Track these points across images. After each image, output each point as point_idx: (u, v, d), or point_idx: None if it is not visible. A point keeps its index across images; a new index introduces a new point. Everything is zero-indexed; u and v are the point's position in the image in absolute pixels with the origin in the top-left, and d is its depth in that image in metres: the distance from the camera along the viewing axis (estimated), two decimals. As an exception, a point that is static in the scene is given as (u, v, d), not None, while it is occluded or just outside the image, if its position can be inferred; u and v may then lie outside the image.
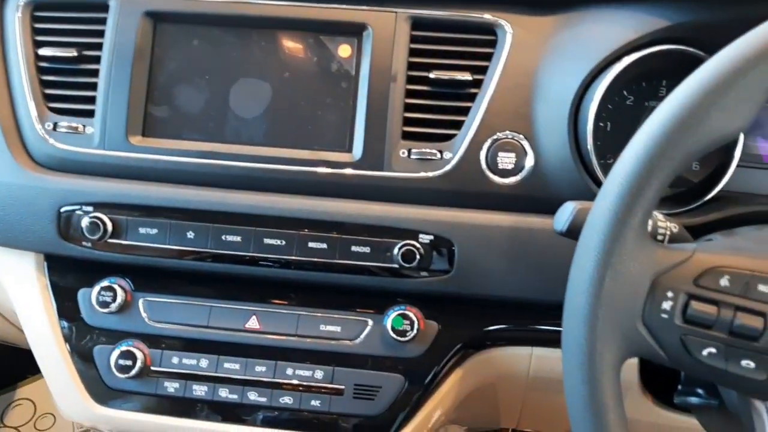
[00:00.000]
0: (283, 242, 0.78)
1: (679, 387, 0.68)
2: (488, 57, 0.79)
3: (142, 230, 0.80)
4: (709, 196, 0.79)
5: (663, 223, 0.62)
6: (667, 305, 0.49)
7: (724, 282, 0.49)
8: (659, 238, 0.61)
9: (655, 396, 0.84)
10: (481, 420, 1.02)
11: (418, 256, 0.76)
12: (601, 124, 0.88)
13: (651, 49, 0.73)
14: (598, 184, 0.76)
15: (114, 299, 0.81)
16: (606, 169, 0.86)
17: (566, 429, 1.04)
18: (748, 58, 0.47)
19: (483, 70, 0.79)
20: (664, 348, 0.50)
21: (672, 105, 0.48)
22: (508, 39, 0.78)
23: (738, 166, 0.87)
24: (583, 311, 0.49)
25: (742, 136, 0.78)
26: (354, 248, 0.78)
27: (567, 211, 0.58)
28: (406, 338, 0.77)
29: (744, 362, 0.48)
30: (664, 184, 0.49)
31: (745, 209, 0.75)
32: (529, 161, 0.77)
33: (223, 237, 0.79)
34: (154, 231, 0.80)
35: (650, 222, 0.61)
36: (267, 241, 0.78)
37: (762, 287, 0.48)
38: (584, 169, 0.76)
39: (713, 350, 0.49)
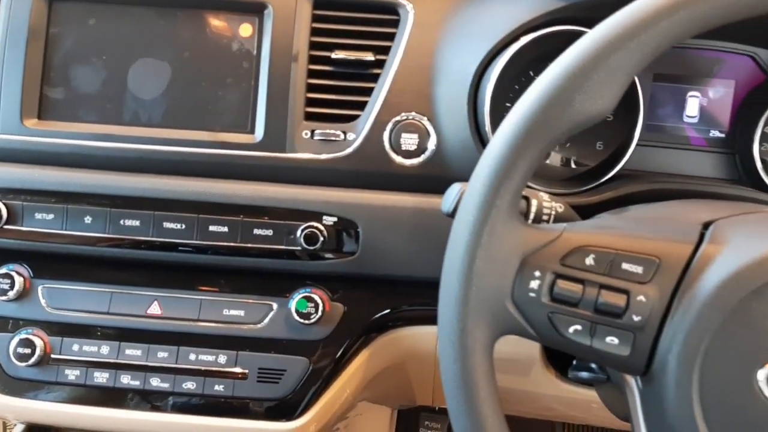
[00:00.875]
0: (183, 226, 0.77)
1: (573, 362, 0.69)
2: (391, 37, 0.78)
3: (38, 216, 0.78)
4: (608, 176, 0.80)
5: (548, 203, 0.62)
6: (534, 284, 0.49)
7: (589, 261, 0.49)
8: (544, 218, 0.61)
9: (560, 370, 0.86)
10: (395, 398, 1.03)
11: (321, 239, 0.76)
12: (508, 104, 0.89)
13: (546, 29, 0.73)
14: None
15: (12, 287, 0.79)
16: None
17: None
18: (611, 41, 0.47)
19: (386, 51, 0.78)
20: (534, 326, 0.50)
21: (537, 90, 0.48)
22: (410, 19, 0.78)
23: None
24: (455, 291, 0.49)
25: (641, 118, 0.80)
26: (256, 231, 0.77)
27: (453, 192, 0.58)
28: (311, 321, 0.77)
29: (608, 338, 0.49)
30: (531, 166, 0.49)
31: (637, 188, 0.77)
32: (432, 142, 0.77)
33: (121, 221, 0.77)
34: (51, 216, 0.78)
35: (534, 203, 0.62)
36: (166, 225, 0.77)
37: (626, 265, 0.49)
38: (484, 150, 0.76)
39: (579, 327, 0.49)
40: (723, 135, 0.88)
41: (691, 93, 0.88)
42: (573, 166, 0.87)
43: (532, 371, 0.85)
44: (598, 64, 0.47)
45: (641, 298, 0.48)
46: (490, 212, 0.49)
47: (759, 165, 0.82)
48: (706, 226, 0.52)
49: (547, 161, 0.86)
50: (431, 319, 0.81)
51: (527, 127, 0.48)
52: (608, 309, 0.49)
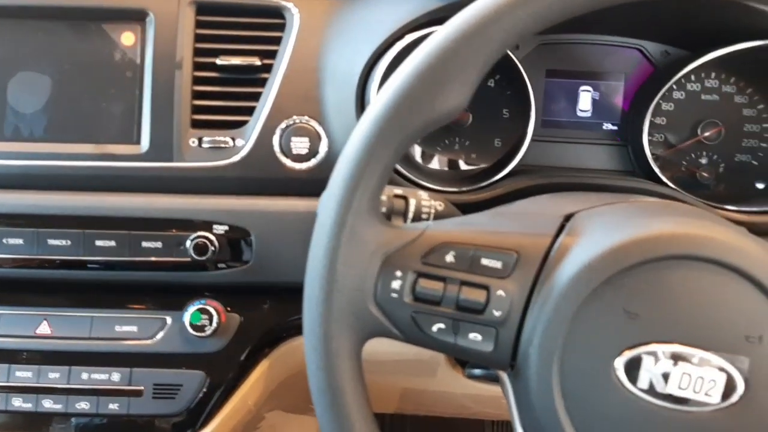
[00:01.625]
0: (68, 242, 0.74)
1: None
2: (277, 41, 0.77)
3: None
4: (503, 173, 0.80)
5: (427, 202, 0.62)
6: (396, 284, 0.49)
7: (450, 258, 0.49)
8: (423, 217, 0.61)
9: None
10: (305, 406, 1.01)
11: (212, 248, 0.74)
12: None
13: (428, 29, 0.73)
14: (398, 172, 0.76)
15: None
16: (408, 151, 0.87)
17: (395, 407, 1.05)
18: (456, 39, 0.47)
19: (273, 55, 0.77)
20: (398, 326, 0.50)
21: (387, 90, 0.48)
22: (296, 22, 0.77)
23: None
24: (316, 296, 0.49)
25: (533, 114, 0.80)
26: (145, 244, 0.75)
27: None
28: (206, 333, 0.76)
29: (471, 335, 0.49)
30: (387, 166, 0.49)
31: (529, 183, 0.77)
32: (323, 145, 0.76)
33: (3, 240, 0.74)
34: (-72, 237, 0.74)
35: (413, 202, 0.62)
36: (51, 241, 0.74)
37: (485, 261, 0.49)
38: None
39: (442, 325, 0.49)
40: (616, 128, 0.90)
41: (583, 87, 0.89)
42: (465, 165, 0.87)
43: (438, 371, 0.85)
44: (445, 63, 0.47)
45: (501, 293, 0.48)
46: (348, 214, 0.48)
47: (649, 156, 0.83)
48: (568, 218, 0.52)
49: (440, 160, 0.86)
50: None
51: (379, 127, 0.48)
52: (469, 305, 0.48)
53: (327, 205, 0.49)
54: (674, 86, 0.88)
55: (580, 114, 0.90)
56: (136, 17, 0.77)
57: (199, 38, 0.77)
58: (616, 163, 0.90)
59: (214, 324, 0.76)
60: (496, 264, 0.49)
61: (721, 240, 0.46)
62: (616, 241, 0.47)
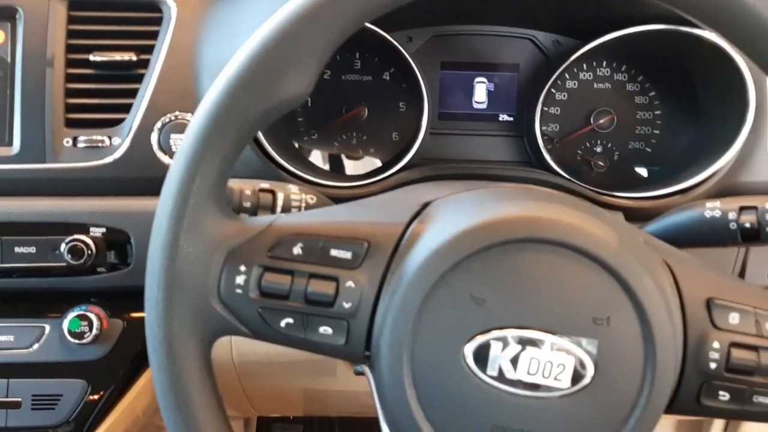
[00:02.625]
0: (-64, 250, 0.71)
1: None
2: (154, 35, 0.75)
3: None
4: (398, 167, 0.79)
5: (297, 195, 0.61)
6: (240, 280, 0.47)
7: (297, 250, 0.48)
8: (294, 210, 0.60)
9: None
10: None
11: (88, 252, 0.71)
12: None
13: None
14: (277, 164, 0.74)
15: None
16: (304, 148, 0.86)
17: (303, 410, 1.03)
18: (291, 23, 0.46)
19: (149, 50, 0.75)
20: (246, 324, 0.48)
21: (222, 79, 0.46)
22: (173, 16, 0.75)
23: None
24: (156, 295, 0.46)
25: (426, 107, 0.80)
26: (18, 249, 0.72)
27: None
28: (86, 340, 0.73)
29: (322, 329, 0.47)
30: (228, 156, 0.47)
31: (419, 175, 0.77)
32: (204, 142, 0.74)
33: None
34: None
35: (281, 195, 0.60)
36: None
37: (334, 252, 0.47)
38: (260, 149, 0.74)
39: (291, 320, 0.47)
40: (512, 118, 0.89)
41: (478, 79, 0.89)
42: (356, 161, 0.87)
43: (337, 371, 0.83)
44: (280, 49, 0.46)
45: (350, 284, 0.47)
46: (186, 207, 0.46)
47: (542, 145, 0.83)
48: (425, 205, 0.51)
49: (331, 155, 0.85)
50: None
51: (213, 116, 0.46)
52: (318, 298, 0.47)
53: (164, 199, 0.47)
54: (567, 75, 0.88)
55: (476, 106, 0.90)
56: (5, 15, 0.74)
57: (71, 34, 0.74)
58: (512, 154, 0.90)
59: (95, 330, 0.73)
60: (346, 255, 0.47)
61: (567, 222, 0.46)
62: (462, 226, 0.46)
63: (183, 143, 0.47)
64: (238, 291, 0.47)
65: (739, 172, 0.74)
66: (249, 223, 0.49)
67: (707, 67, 0.79)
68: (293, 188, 0.60)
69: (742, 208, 0.59)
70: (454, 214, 0.48)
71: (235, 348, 0.78)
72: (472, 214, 0.47)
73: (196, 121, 0.46)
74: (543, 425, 0.46)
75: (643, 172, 0.88)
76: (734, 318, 0.47)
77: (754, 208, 0.58)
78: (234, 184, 0.60)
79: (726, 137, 0.74)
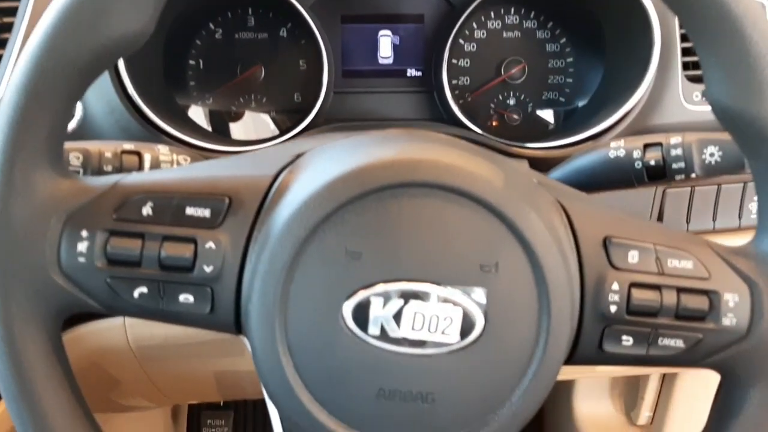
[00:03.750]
0: None
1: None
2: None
3: None
4: (299, 129, 0.75)
5: (167, 156, 0.55)
6: (82, 247, 0.42)
7: (147, 210, 0.42)
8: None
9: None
10: (117, 404, 0.93)
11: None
12: (192, 62, 0.81)
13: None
14: (157, 127, 0.68)
15: None
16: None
17: (218, 395, 0.98)
18: None
19: (12, 12, 0.68)
20: (95, 297, 0.43)
21: (43, 20, 0.40)
22: (36, -28, 0.68)
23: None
24: None
25: (326, 64, 0.74)
26: None
27: None
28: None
29: (182, 297, 0.42)
30: (59, 112, 0.41)
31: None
32: (78, 110, 0.68)
33: None
34: None
35: (148, 156, 0.54)
36: None
37: (190, 210, 0.42)
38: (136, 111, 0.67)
39: (145, 290, 0.42)
40: (420, 73, 0.85)
41: (382, 32, 0.84)
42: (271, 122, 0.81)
43: (245, 350, 0.78)
44: None
45: (210, 245, 0.42)
46: (13, 170, 0.40)
47: (451, 100, 0.79)
48: (297, 157, 0.46)
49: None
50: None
51: (37, 63, 0.40)
52: (174, 263, 0.42)
53: None
54: (475, 25, 0.84)
55: (381, 61, 0.85)
56: None
57: None
58: (423, 111, 0.85)
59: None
60: (204, 212, 0.42)
61: (447, 163, 0.41)
62: (334, 174, 0.41)
63: (5, 96, 0.41)
64: (82, 260, 0.42)
65: (648, 115, 0.71)
66: (90, 183, 0.43)
67: (613, 8, 0.76)
68: (163, 149, 0.54)
69: (646, 146, 0.55)
70: (326, 162, 0.43)
71: (130, 333, 0.72)
72: (345, 161, 0.42)
73: (18, 69, 0.40)
74: (433, 384, 0.41)
75: (555, 121, 0.84)
76: (633, 256, 0.43)
77: (659, 144, 0.55)
78: (92, 146, 0.54)
79: (633, 80, 0.71)
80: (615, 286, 0.43)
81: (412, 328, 0.41)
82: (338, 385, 0.41)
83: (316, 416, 0.42)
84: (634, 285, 0.43)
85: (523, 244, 0.41)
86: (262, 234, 0.42)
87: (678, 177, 0.55)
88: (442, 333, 0.41)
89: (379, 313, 0.41)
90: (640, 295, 0.43)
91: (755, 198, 0.75)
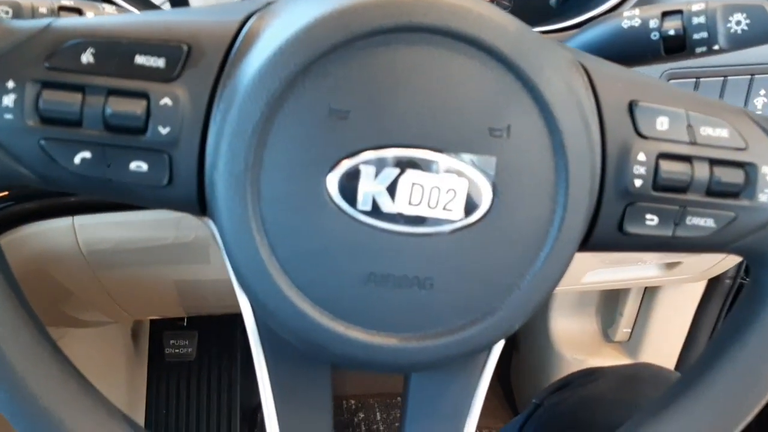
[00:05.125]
0: None
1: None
2: None
3: None
4: None
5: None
6: (9, 101, 0.34)
7: (87, 58, 0.34)
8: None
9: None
10: (71, 317, 0.86)
11: None
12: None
13: None
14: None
15: None
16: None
17: (179, 308, 0.92)
18: None
19: None
20: (26, 164, 0.35)
21: None
22: None
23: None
24: None
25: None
26: None
27: None
28: None
29: (133, 165, 0.35)
30: None
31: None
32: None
33: None
34: None
35: (90, 14, 0.46)
36: None
37: (140, 59, 0.35)
38: None
39: (87, 155, 0.35)
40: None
41: None
42: None
43: (210, 255, 0.72)
44: None
45: (166, 101, 0.35)
46: None
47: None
48: (269, 4, 0.39)
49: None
50: (62, 209, 0.65)
51: None
52: (122, 123, 0.34)
53: None
54: None
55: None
56: None
57: None
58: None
59: None
60: (157, 62, 0.35)
61: (451, 4, 0.34)
62: (314, 15, 0.34)
63: None
64: (8, 117, 0.34)
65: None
66: (16, 25, 0.35)
67: None
68: (109, 8, 0.46)
69: (664, 14, 0.49)
70: (304, 3, 0.36)
71: (80, 234, 0.65)
72: (328, 1, 0.35)
73: None
74: (431, 268, 0.36)
75: (553, 0, 0.77)
76: (662, 123, 0.38)
77: (679, 12, 0.49)
78: (24, 0, 0.45)
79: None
80: (641, 157, 0.37)
81: (409, 203, 0.35)
82: (321, 269, 0.35)
83: (295, 304, 0.36)
84: (662, 156, 0.37)
85: (540, 104, 0.35)
86: (228, 88, 0.35)
87: (699, 50, 0.48)
88: (444, 208, 0.35)
89: (370, 185, 0.35)
90: (669, 167, 0.37)
91: (762, 92, 0.70)
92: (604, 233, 0.39)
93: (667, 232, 0.38)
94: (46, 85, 0.34)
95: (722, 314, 1.09)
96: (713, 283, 1.07)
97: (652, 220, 0.38)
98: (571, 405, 0.67)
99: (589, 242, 0.39)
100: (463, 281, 0.36)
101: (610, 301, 1.16)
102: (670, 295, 1.07)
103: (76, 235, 0.65)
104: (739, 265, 1.05)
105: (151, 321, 1.21)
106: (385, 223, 0.35)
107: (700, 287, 1.09)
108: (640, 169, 0.37)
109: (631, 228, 0.38)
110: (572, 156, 0.35)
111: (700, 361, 0.43)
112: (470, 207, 0.35)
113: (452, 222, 0.35)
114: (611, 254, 0.88)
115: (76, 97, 0.34)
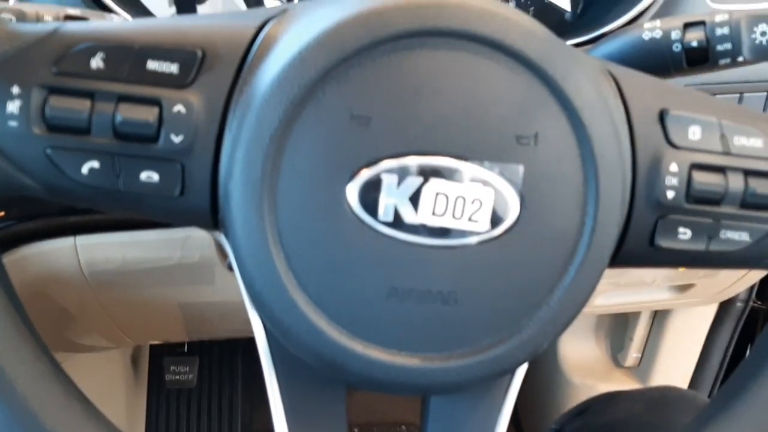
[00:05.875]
0: None
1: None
2: None
3: None
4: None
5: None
6: (14, 107, 0.32)
7: (97, 63, 0.33)
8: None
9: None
10: (70, 342, 0.84)
11: None
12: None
13: None
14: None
15: None
16: None
17: (185, 332, 0.89)
18: None
19: None
20: (31, 173, 0.34)
21: None
22: None
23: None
24: None
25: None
26: None
27: None
28: None
29: (144, 175, 0.33)
30: None
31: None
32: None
33: None
34: None
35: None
36: None
37: (153, 64, 0.33)
38: None
39: (96, 164, 0.33)
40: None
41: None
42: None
43: (215, 276, 0.70)
44: None
45: (179, 108, 0.33)
46: None
47: None
48: (286, 11, 0.38)
49: None
50: (63, 229, 0.63)
51: None
52: (133, 131, 0.33)
53: None
54: None
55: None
56: None
57: None
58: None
59: None
60: (170, 68, 0.33)
61: (477, 7, 0.33)
62: (335, 19, 0.33)
63: None
64: (13, 124, 0.33)
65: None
66: (23, 29, 0.34)
67: None
68: (117, 18, 0.45)
69: (686, 25, 0.48)
70: (324, 7, 0.35)
71: (82, 255, 0.63)
72: (348, 5, 0.34)
73: None
74: (456, 283, 0.34)
75: (568, 14, 0.76)
76: (695, 132, 0.36)
77: (702, 23, 0.48)
78: (29, 8, 0.44)
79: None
80: (673, 168, 0.36)
81: (433, 213, 0.33)
82: (340, 283, 0.34)
83: (312, 321, 0.34)
84: (695, 166, 0.36)
85: (569, 111, 0.34)
86: (244, 95, 0.33)
87: (723, 61, 0.47)
88: (469, 219, 0.34)
89: (393, 194, 0.33)
90: (702, 179, 0.36)
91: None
92: (634, 247, 0.37)
93: (701, 246, 0.37)
94: (54, 90, 0.33)
95: (734, 338, 1.07)
96: (725, 307, 1.05)
97: (684, 233, 0.36)
98: (595, 430, 0.65)
99: (618, 257, 0.37)
100: (490, 297, 0.34)
101: (620, 326, 1.14)
102: (680, 318, 1.05)
103: (78, 256, 0.63)
104: (751, 288, 1.03)
105: (151, 347, 1.19)
106: (407, 234, 0.33)
107: (711, 311, 1.07)
108: (672, 180, 0.36)
109: (663, 242, 0.36)
110: (602, 165, 0.34)
111: (733, 382, 0.41)
112: (497, 218, 0.34)
113: (478, 234, 0.34)
114: (622, 277, 0.87)
115: (85, 104, 0.33)
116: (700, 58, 0.48)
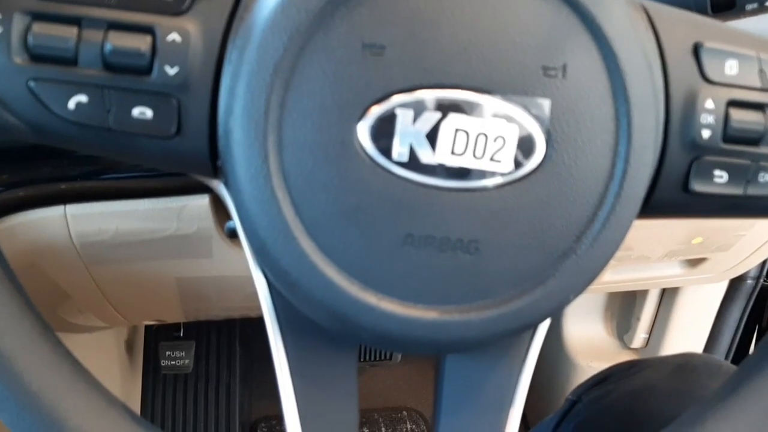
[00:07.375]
0: None
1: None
2: None
3: None
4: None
5: None
6: (-7, 33, 0.30)
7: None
8: None
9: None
10: (63, 320, 0.81)
11: None
12: None
13: None
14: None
15: None
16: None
17: (183, 312, 0.87)
18: None
19: None
20: (12, 108, 0.31)
21: None
22: None
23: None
24: None
25: None
26: None
27: None
28: None
29: (136, 111, 0.30)
30: None
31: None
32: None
33: None
34: None
35: None
36: None
37: None
38: None
39: (83, 99, 0.30)
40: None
41: None
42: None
43: (213, 248, 0.67)
44: None
45: (174, 37, 0.30)
46: None
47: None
48: None
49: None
50: (53, 197, 0.60)
51: None
52: (124, 61, 0.30)
53: None
54: None
55: None
56: None
57: None
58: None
59: None
60: (165, -7, 0.31)
61: None
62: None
63: None
64: None
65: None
66: None
67: None
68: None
69: None
70: None
71: (72, 225, 0.60)
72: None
73: None
74: (477, 230, 0.31)
75: None
76: (731, 67, 0.33)
77: None
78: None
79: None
80: (709, 104, 0.33)
81: (452, 152, 0.31)
82: (351, 230, 0.31)
83: (322, 271, 0.31)
84: (732, 103, 0.33)
85: (600, 41, 0.31)
86: (245, 22, 0.30)
87: (750, 6, 0.45)
88: (491, 159, 0.31)
89: (408, 131, 0.30)
90: (740, 116, 0.33)
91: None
92: (666, 193, 0.34)
93: (738, 190, 0.34)
94: (37, 16, 0.30)
95: (743, 317, 1.05)
96: (735, 284, 1.03)
97: (721, 176, 0.34)
98: (617, 398, 0.62)
99: (649, 205, 0.34)
100: (513, 245, 0.32)
101: (626, 306, 1.11)
102: (689, 297, 1.03)
103: (69, 227, 0.60)
104: (762, 265, 1.01)
105: (146, 331, 1.16)
106: (424, 176, 0.31)
107: (720, 290, 1.05)
108: (708, 118, 0.33)
109: (698, 186, 0.34)
110: (635, 101, 0.31)
111: (762, 349, 0.39)
112: (521, 158, 0.31)
113: (501, 174, 0.31)
114: (629, 252, 0.84)
115: (72, 31, 0.30)
116: (727, 3, 0.45)
